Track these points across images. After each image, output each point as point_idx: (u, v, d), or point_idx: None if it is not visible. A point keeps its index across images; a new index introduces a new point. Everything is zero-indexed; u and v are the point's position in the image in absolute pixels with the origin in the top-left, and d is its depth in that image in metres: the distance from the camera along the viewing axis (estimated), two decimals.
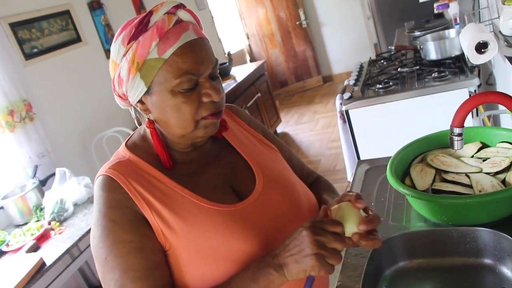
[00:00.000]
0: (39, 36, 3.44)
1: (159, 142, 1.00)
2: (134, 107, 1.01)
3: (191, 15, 0.96)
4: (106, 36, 4.06)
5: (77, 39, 3.79)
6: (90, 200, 2.77)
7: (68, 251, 2.28)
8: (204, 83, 0.94)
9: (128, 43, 0.91)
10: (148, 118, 0.99)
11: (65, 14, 3.71)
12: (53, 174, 2.84)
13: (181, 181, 0.99)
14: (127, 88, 0.95)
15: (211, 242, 0.93)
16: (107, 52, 4.06)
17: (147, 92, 0.94)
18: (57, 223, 2.55)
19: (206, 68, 0.93)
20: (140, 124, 1.08)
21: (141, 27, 0.91)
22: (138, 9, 4.61)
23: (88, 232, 2.41)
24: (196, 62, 0.91)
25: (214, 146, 1.10)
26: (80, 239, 2.36)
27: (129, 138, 1.08)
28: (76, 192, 2.72)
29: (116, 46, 0.94)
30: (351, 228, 0.91)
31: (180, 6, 0.95)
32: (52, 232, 2.48)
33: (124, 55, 0.93)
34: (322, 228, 0.86)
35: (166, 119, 0.96)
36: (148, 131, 1.02)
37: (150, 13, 0.92)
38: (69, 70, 3.67)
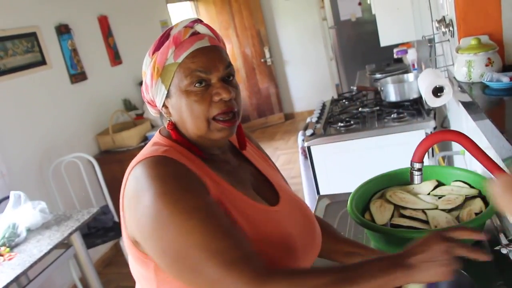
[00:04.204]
0: (2, 56, 3.38)
1: (183, 138, 1.06)
2: (161, 113, 1.10)
3: (209, 28, 1.06)
4: (72, 60, 4.03)
5: (42, 62, 3.74)
6: (44, 226, 2.67)
7: (16, 279, 2.19)
8: (216, 83, 1.01)
9: (153, 54, 1.03)
10: (169, 120, 1.07)
11: (32, 36, 3.67)
12: (7, 198, 2.75)
13: (219, 174, 1.05)
14: (152, 93, 1.06)
15: (251, 234, 0.98)
16: (72, 77, 4.02)
17: (167, 96, 1.04)
18: (7, 249, 2.45)
19: (216, 68, 1.01)
20: None
21: (163, 39, 1.03)
22: (106, 36, 4.61)
23: (41, 259, 2.33)
24: (205, 62, 1.00)
25: (235, 156, 1.18)
26: (31, 266, 2.27)
27: (160, 130, 1.12)
28: (30, 217, 2.63)
29: (146, 59, 1.06)
30: None
31: (198, 21, 1.06)
32: (0, 258, 2.39)
33: (149, 64, 1.04)
34: (453, 237, 0.90)
35: (183, 119, 1.03)
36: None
37: (171, 28, 1.04)
38: (31, 92, 3.61)
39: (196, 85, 1.00)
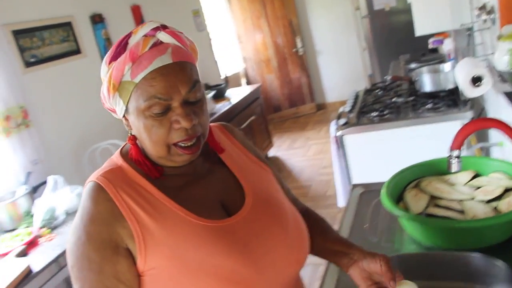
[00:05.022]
0: (40, 45, 3.46)
1: (139, 156, 1.00)
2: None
3: (173, 37, 0.95)
4: (106, 49, 4.09)
5: (77, 51, 3.81)
6: None
7: (56, 259, 2.26)
8: (176, 108, 0.92)
9: (109, 63, 0.94)
10: (130, 133, 1.01)
11: (67, 26, 3.74)
12: (45, 182, 2.83)
13: (170, 194, 0.98)
14: (111, 104, 0.98)
15: (196, 256, 0.92)
16: None
17: (126, 111, 0.96)
18: (47, 230, 2.53)
19: (177, 92, 0.91)
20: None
21: (120, 49, 0.93)
22: (139, 25, 4.65)
23: None
24: (165, 87, 0.90)
25: (206, 161, 1.08)
26: None
27: (124, 146, 1.07)
28: (68, 201, 2.70)
29: (102, 65, 0.97)
30: None
31: (160, 28, 0.95)
32: (41, 239, 2.47)
33: (106, 74, 0.95)
34: None
35: (141, 139, 0.97)
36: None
37: (129, 34, 0.94)
38: (67, 80, 3.68)
39: (154, 111, 0.91)
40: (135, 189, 0.97)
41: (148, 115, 0.91)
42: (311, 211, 1.30)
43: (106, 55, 0.96)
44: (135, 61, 0.91)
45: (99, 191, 0.95)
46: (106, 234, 0.91)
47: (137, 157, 1.00)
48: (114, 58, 0.93)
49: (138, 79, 0.90)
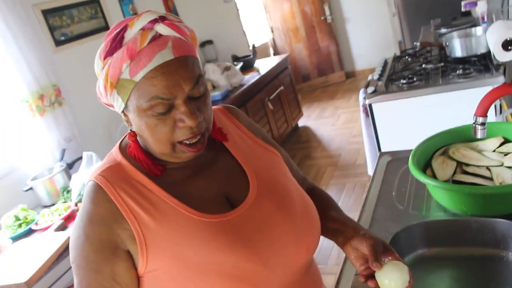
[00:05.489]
0: (69, 23, 3.52)
1: (141, 153, 0.97)
2: None
3: (173, 28, 0.89)
4: None
5: (106, 27, 3.85)
6: None
7: None
8: (180, 106, 0.87)
9: (104, 58, 0.88)
10: (130, 129, 0.97)
11: (95, 3, 3.78)
12: (80, 158, 2.92)
13: (170, 189, 0.95)
14: (108, 100, 0.94)
15: (197, 254, 0.90)
16: None
17: (125, 108, 0.92)
18: None
19: (180, 90, 0.86)
20: None
21: (115, 44, 0.87)
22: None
23: None
24: (167, 86, 0.85)
25: (209, 150, 1.03)
26: None
27: (123, 138, 1.04)
28: None
29: (96, 59, 0.91)
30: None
31: (159, 20, 0.88)
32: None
33: (102, 69, 0.90)
34: None
35: (144, 136, 0.93)
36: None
37: (125, 28, 0.87)
38: None
39: (157, 111, 0.87)
40: (135, 187, 0.94)
41: (151, 114, 0.87)
42: (317, 190, 1.27)
43: (100, 48, 0.90)
44: (134, 58, 0.85)
45: (98, 192, 0.93)
46: (105, 235, 0.90)
47: (137, 155, 0.97)
48: (109, 53, 0.87)
49: (138, 78, 0.85)
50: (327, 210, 1.16)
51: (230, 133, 1.08)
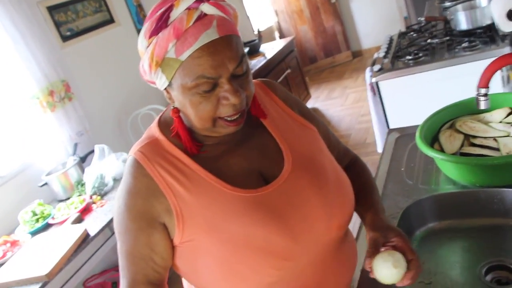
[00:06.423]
0: (75, 18, 3.54)
1: (183, 130, 0.99)
2: None
3: (218, 8, 0.89)
4: (138, 16, 4.13)
5: (111, 20, 3.88)
6: None
7: (108, 224, 2.39)
8: (224, 84, 0.89)
9: (150, 37, 0.90)
10: (173, 106, 0.99)
11: None
12: (92, 151, 2.96)
13: (206, 165, 0.99)
14: (152, 78, 0.96)
15: (230, 228, 0.94)
16: (139, 32, 4.13)
17: (169, 85, 0.94)
18: (98, 197, 2.67)
19: (225, 70, 0.88)
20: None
21: (161, 24, 0.88)
22: None
23: None
24: (213, 66, 0.87)
25: (246, 126, 1.02)
26: None
27: (162, 114, 1.07)
28: (115, 167, 2.83)
29: (141, 37, 0.93)
30: (395, 276, 0.95)
31: None
32: (93, 206, 2.61)
33: (147, 48, 0.92)
34: None
35: (186, 113, 0.96)
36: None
37: (171, 7, 0.88)
38: (103, 50, 3.77)
39: (202, 89, 0.89)
40: (171, 162, 0.98)
41: (195, 92, 0.89)
42: (358, 163, 1.27)
43: (144, 27, 0.91)
44: (180, 37, 0.86)
45: (136, 167, 0.98)
46: (142, 207, 0.96)
47: (180, 132, 0.99)
48: (155, 32, 0.89)
49: (184, 57, 0.87)
50: (361, 190, 1.17)
51: (267, 109, 1.10)
